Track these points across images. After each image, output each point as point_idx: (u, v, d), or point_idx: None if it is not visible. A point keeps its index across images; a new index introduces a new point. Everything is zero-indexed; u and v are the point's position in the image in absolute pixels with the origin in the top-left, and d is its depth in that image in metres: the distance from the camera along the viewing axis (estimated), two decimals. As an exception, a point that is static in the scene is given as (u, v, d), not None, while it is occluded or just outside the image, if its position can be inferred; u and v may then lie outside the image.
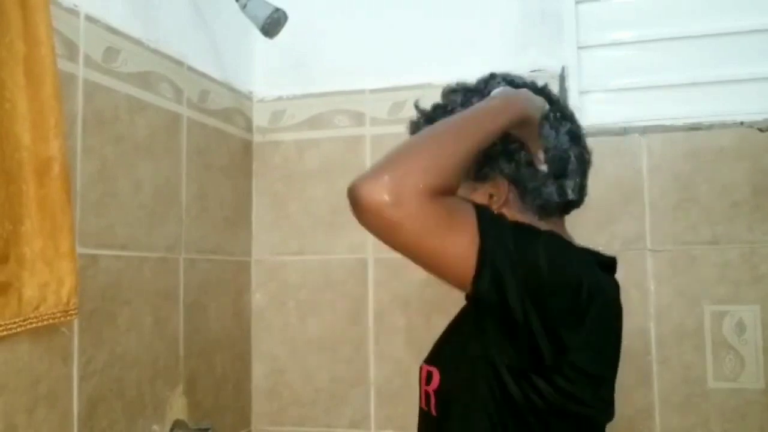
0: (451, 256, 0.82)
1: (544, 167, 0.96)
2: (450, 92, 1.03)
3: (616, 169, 1.59)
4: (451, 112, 0.97)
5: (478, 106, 0.92)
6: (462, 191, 0.93)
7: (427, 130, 0.90)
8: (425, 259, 0.84)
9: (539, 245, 0.85)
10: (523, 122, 0.93)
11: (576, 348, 0.84)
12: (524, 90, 0.97)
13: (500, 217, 0.88)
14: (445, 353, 0.98)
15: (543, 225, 0.96)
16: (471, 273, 0.81)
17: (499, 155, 0.96)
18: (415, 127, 1.02)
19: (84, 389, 1.17)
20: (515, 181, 0.96)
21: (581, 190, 1.01)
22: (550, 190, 0.96)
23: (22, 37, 0.99)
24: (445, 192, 0.82)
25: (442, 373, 0.94)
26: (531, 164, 0.96)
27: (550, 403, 0.85)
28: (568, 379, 0.85)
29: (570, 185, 0.98)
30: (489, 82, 1.01)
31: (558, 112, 1.00)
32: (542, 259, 0.83)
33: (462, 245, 0.81)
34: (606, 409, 0.93)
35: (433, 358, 0.99)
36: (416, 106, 1.04)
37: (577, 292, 0.84)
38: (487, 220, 0.83)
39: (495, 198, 0.96)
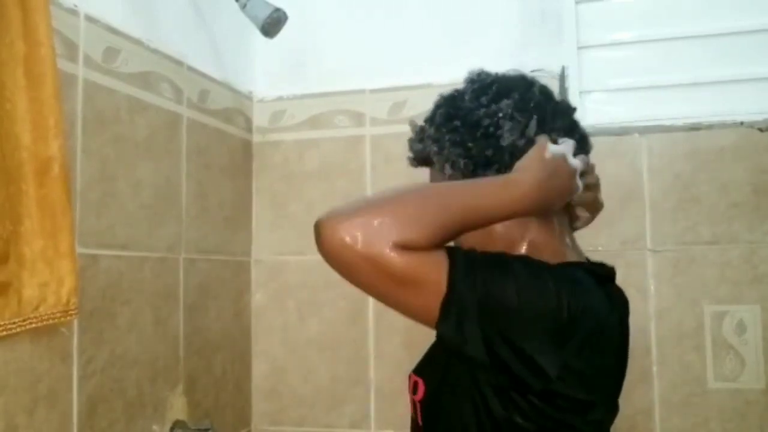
0: (410, 308, 0.82)
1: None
2: (478, 88, 0.97)
3: (616, 169, 1.58)
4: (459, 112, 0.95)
5: (495, 183, 0.86)
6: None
7: (424, 187, 0.86)
8: (385, 304, 0.84)
9: (510, 280, 0.81)
10: (541, 208, 0.89)
11: (559, 376, 0.81)
12: (563, 170, 0.89)
13: (474, 261, 0.83)
14: (431, 365, 0.97)
15: (543, 218, 0.93)
16: (433, 322, 0.80)
17: (485, 162, 0.92)
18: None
19: (84, 389, 1.17)
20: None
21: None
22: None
23: (22, 37, 0.99)
24: (420, 248, 0.78)
25: (426, 384, 0.94)
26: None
27: (534, 424, 0.83)
28: (554, 406, 0.83)
29: None
30: (527, 93, 0.95)
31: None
32: (512, 295, 0.80)
33: (422, 302, 0.79)
34: (598, 429, 0.90)
35: (419, 369, 0.98)
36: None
37: (556, 320, 0.81)
38: (461, 270, 0.79)
39: None
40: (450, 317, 0.79)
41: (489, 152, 0.91)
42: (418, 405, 0.96)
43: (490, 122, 0.91)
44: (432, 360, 0.98)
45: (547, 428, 0.84)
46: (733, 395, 1.50)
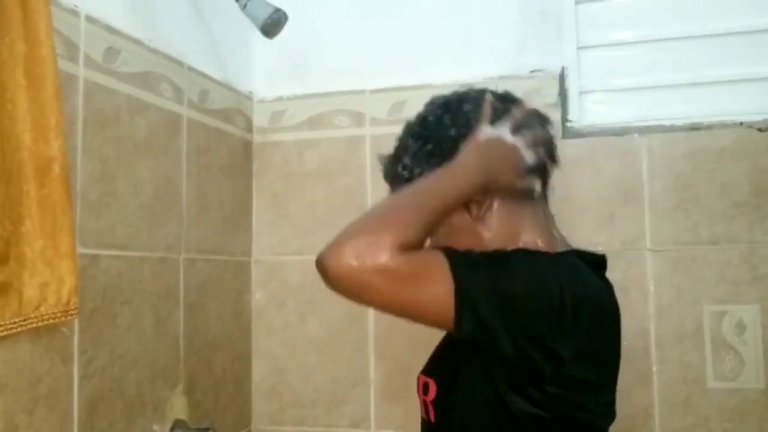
0: (428, 306, 0.83)
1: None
2: (430, 108, 1.03)
3: (616, 169, 1.59)
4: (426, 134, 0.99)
5: (447, 174, 0.92)
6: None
7: (396, 196, 0.92)
8: (404, 313, 0.86)
9: (512, 271, 0.84)
10: (487, 187, 0.94)
11: (571, 358, 0.84)
12: (500, 148, 0.95)
13: (470, 255, 0.88)
14: (441, 365, 0.99)
15: (528, 210, 0.97)
16: (451, 319, 0.82)
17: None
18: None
19: (84, 389, 1.17)
20: (489, 194, 0.96)
21: (552, 157, 1.01)
22: (526, 184, 0.97)
23: (23, 37, 0.99)
24: (413, 247, 0.83)
25: (438, 385, 0.95)
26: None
27: (550, 412, 0.85)
28: (567, 388, 0.85)
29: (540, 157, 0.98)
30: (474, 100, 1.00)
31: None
32: (518, 285, 0.83)
33: (437, 294, 0.82)
34: (608, 413, 0.93)
35: (429, 370, 1.00)
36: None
37: (561, 305, 0.84)
38: (458, 262, 0.83)
39: (477, 205, 0.96)
40: (467, 315, 0.82)
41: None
42: (430, 405, 0.97)
43: (458, 134, 0.96)
44: (441, 360, 1.00)
45: (563, 414, 0.86)
46: (733, 395, 1.50)
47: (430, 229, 0.88)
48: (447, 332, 0.96)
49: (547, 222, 1.01)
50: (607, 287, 0.98)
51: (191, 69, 1.53)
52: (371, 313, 1.71)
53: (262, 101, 1.83)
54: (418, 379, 1.00)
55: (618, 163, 1.59)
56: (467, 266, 0.84)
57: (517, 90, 1.07)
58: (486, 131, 0.94)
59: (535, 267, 0.87)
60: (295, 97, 1.81)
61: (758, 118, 1.52)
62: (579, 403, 0.87)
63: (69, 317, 1.06)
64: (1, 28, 0.97)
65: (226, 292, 1.66)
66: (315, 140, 1.79)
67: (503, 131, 0.95)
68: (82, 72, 1.20)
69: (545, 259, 0.90)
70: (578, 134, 1.60)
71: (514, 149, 0.95)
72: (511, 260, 0.87)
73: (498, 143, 0.94)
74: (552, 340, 0.83)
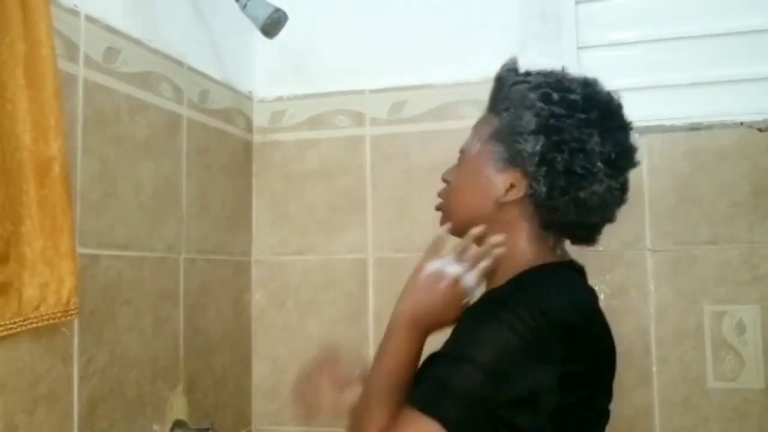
0: None
1: None
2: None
3: (616, 169, 1.58)
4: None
5: (386, 341, 0.95)
6: (488, 162, 0.98)
7: (364, 389, 0.96)
8: None
9: (461, 367, 0.84)
10: (426, 326, 0.94)
11: (562, 383, 0.84)
12: (437, 286, 0.94)
13: (430, 388, 0.88)
14: None
15: (542, 235, 0.97)
16: None
17: (534, 155, 0.95)
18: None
19: (84, 389, 1.17)
20: (534, 193, 0.95)
21: (593, 230, 1.02)
22: (567, 214, 0.96)
23: (23, 37, 0.99)
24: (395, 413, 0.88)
25: None
26: (563, 176, 0.95)
27: (550, 428, 0.85)
28: (564, 406, 0.85)
29: (588, 218, 0.99)
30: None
31: (608, 133, 1.00)
32: (476, 374, 0.83)
33: None
34: (601, 417, 0.93)
35: None
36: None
37: (525, 346, 0.83)
38: (426, 405, 0.85)
39: (513, 191, 0.96)
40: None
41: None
42: None
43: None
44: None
45: (563, 427, 0.86)
46: (733, 395, 1.50)
47: (408, 387, 0.90)
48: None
49: (555, 242, 1.00)
50: (590, 294, 0.98)
51: (191, 69, 1.53)
52: (371, 313, 1.71)
53: (262, 101, 1.83)
54: None
55: (618, 163, 1.59)
56: (436, 399, 0.84)
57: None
58: (427, 268, 0.94)
59: (484, 332, 0.86)
60: (295, 97, 1.81)
61: (758, 118, 1.52)
62: (574, 415, 0.87)
63: (69, 317, 1.06)
64: (1, 28, 0.97)
65: (226, 292, 1.66)
66: (315, 140, 1.79)
67: (440, 265, 0.94)
68: (82, 72, 1.20)
69: (508, 304, 0.88)
70: (578, 134, 1.60)
71: (450, 283, 0.94)
72: (456, 351, 0.87)
73: (436, 281, 0.94)
74: (536, 380, 0.83)
